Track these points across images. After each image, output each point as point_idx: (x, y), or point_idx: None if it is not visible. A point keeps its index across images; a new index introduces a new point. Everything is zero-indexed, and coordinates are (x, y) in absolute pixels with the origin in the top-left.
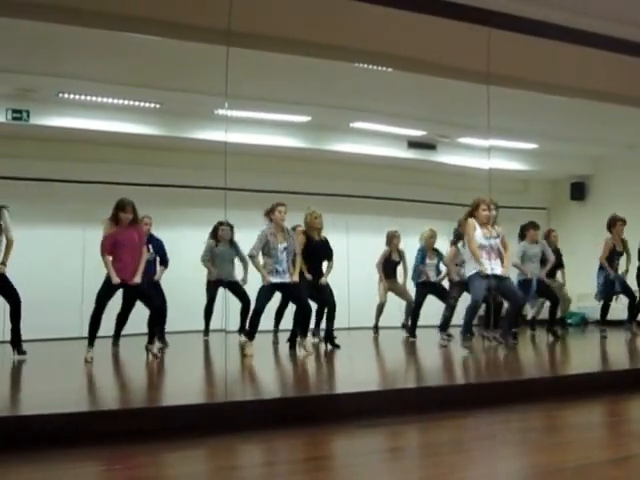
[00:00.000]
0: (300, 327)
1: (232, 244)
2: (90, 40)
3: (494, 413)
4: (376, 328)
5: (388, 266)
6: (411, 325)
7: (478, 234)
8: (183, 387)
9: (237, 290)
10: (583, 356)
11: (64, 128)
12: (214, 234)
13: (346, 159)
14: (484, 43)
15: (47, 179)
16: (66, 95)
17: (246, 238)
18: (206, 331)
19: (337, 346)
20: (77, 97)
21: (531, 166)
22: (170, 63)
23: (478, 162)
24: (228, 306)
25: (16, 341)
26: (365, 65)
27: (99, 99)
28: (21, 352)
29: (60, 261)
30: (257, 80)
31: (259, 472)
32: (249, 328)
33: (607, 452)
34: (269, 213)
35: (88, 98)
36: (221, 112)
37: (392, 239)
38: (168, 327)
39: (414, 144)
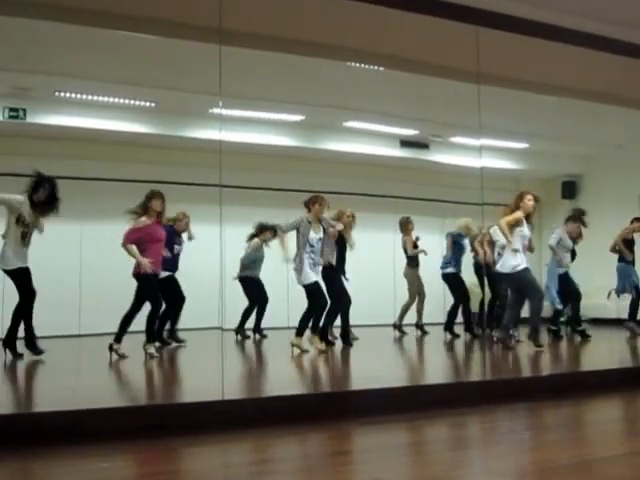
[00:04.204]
0: (313, 322)
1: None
2: (87, 39)
3: (492, 411)
4: (400, 327)
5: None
6: (449, 321)
7: (526, 228)
8: (195, 384)
9: (261, 287)
10: (596, 354)
11: (60, 126)
12: (262, 233)
13: (339, 158)
14: (475, 42)
15: None
16: (62, 94)
17: (239, 234)
18: (242, 330)
19: (350, 344)
20: (73, 96)
21: (522, 165)
22: (165, 62)
23: (470, 161)
24: (225, 304)
25: (30, 340)
26: (358, 64)
27: (95, 98)
28: (16, 355)
29: (57, 258)
30: (251, 79)
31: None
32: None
33: (605, 449)
34: (309, 204)
35: (84, 97)
36: (215, 111)
37: (407, 225)
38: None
39: (407, 143)
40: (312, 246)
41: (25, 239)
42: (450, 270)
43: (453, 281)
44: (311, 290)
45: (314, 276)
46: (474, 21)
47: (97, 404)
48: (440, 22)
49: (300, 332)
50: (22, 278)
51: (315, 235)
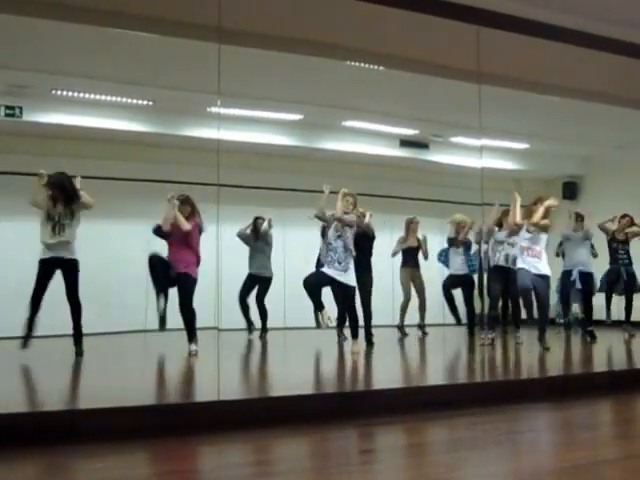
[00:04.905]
0: (350, 330)
1: (267, 238)
2: (84, 37)
3: (495, 412)
4: (401, 328)
5: (405, 253)
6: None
7: (523, 233)
8: (191, 384)
9: (260, 289)
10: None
11: (57, 125)
12: (253, 228)
13: (338, 157)
14: (475, 42)
15: None
16: (59, 92)
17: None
18: (248, 327)
19: (372, 344)
20: (70, 94)
21: (523, 165)
22: (163, 61)
23: (470, 161)
24: (221, 303)
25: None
26: (357, 63)
27: (93, 96)
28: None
29: None
30: (250, 78)
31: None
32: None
33: (604, 452)
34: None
35: (82, 95)
36: (214, 110)
37: (409, 225)
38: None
39: (406, 143)
40: (329, 243)
41: (55, 230)
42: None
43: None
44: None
45: (325, 271)
46: (475, 21)
47: (93, 404)
48: (441, 22)
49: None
50: (38, 270)
51: (334, 233)
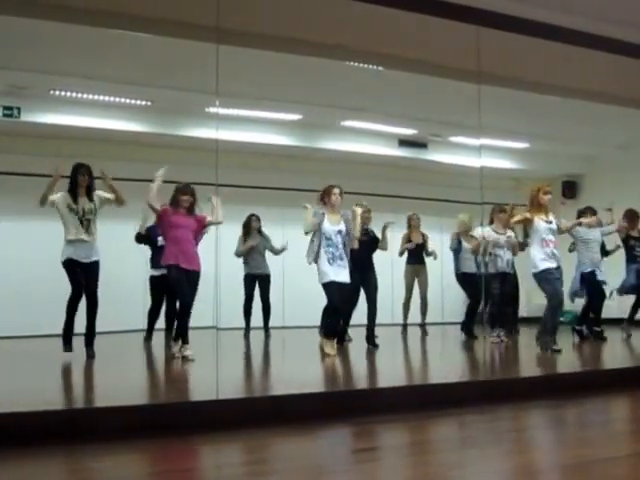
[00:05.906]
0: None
1: (261, 235)
2: (82, 37)
3: (497, 410)
4: (404, 327)
5: (410, 249)
6: (466, 322)
7: (542, 224)
8: (191, 384)
9: (262, 287)
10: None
11: (55, 125)
12: (246, 227)
13: (337, 157)
14: (475, 42)
15: (38, 174)
16: (58, 92)
17: (234, 233)
18: (246, 330)
19: (376, 346)
20: (69, 94)
21: (523, 165)
22: (162, 61)
23: (469, 160)
24: (220, 302)
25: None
26: (356, 64)
27: (91, 96)
28: (68, 349)
29: (51, 256)
30: (248, 78)
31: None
32: (324, 327)
33: (607, 450)
34: (323, 197)
35: (80, 95)
36: (212, 110)
37: (410, 221)
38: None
39: (405, 142)
40: (329, 239)
41: (83, 225)
42: (459, 271)
43: (460, 281)
44: (324, 290)
45: (332, 275)
46: (474, 21)
47: (93, 403)
48: (440, 22)
49: (322, 333)
50: (67, 271)
51: (332, 227)
